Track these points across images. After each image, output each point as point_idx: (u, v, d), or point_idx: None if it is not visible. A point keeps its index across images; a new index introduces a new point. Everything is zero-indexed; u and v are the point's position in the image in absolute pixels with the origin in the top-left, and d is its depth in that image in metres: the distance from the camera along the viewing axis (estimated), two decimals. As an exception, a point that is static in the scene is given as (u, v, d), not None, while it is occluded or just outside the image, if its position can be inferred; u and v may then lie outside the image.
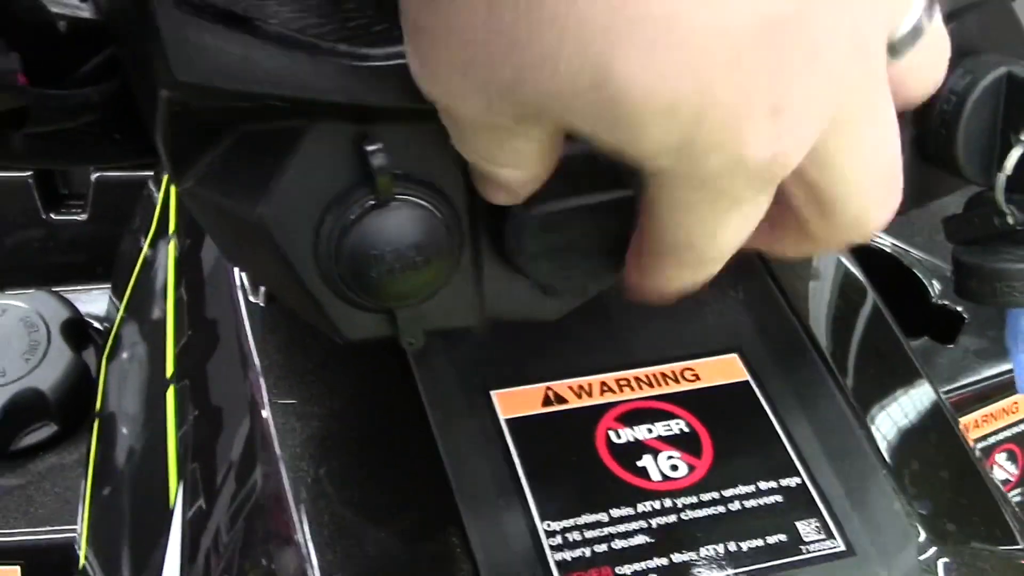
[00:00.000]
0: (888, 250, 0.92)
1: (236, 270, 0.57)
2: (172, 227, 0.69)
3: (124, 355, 0.73)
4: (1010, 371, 0.84)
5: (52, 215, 1.12)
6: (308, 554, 0.45)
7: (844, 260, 0.63)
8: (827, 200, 0.35)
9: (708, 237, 0.35)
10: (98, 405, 0.73)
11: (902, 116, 0.47)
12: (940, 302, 0.89)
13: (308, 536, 0.46)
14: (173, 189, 0.70)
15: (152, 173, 0.85)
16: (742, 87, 0.30)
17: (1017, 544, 0.49)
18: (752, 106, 0.30)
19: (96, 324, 0.98)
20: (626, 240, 0.40)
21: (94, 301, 1.00)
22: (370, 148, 0.37)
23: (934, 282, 0.90)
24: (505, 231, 0.40)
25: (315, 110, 0.37)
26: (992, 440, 0.84)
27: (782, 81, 0.30)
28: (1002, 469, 0.85)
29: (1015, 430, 0.85)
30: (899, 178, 0.37)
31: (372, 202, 0.37)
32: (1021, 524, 0.51)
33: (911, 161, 0.48)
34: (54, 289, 0.99)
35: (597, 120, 0.31)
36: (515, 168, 0.36)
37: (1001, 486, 0.53)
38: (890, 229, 0.95)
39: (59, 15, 0.41)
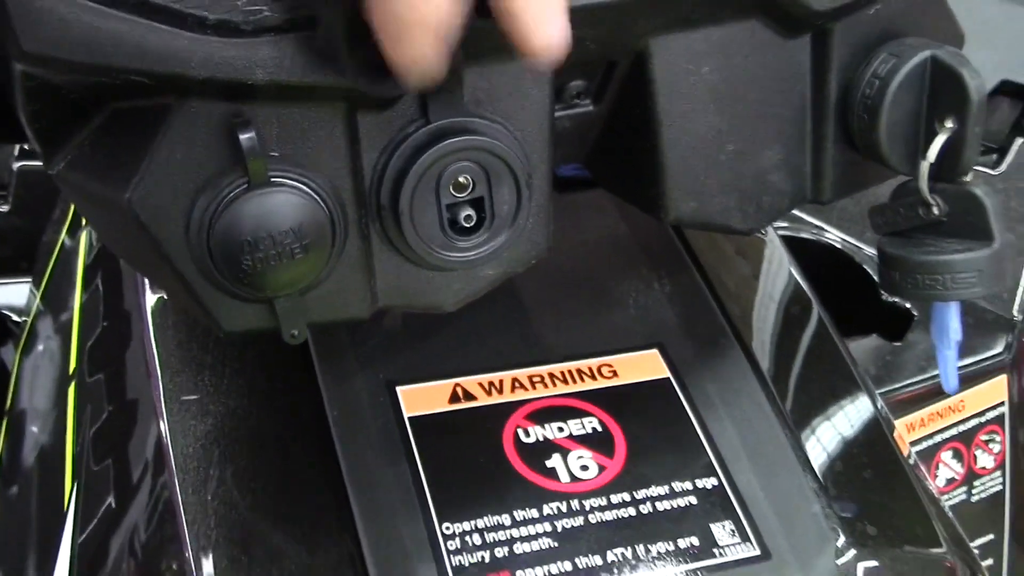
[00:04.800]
0: (839, 246, 0.90)
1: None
2: (85, 219, 0.66)
3: (38, 348, 0.70)
4: (958, 369, 0.82)
5: (-28, 206, 1.08)
6: (193, 561, 0.43)
7: (776, 255, 0.61)
8: None
9: None
10: (8, 401, 0.70)
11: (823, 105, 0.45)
12: (890, 299, 0.87)
13: (196, 542, 0.43)
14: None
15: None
16: None
17: (941, 548, 0.48)
18: None
19: (15, 317, 0.96)
20: None
21: (16, 295, 0.97)
22: (241, 127, 0.34)
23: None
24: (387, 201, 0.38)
25: (184, 87, 0.34)
26: (938, 438, 0.82)
27: None
28: (947, 467, 0.83)
29: (961, 428, 0.83)
30: None
31: (244, 186, 0.35)
32: (949, 527, 0.49)
33: (835, 149, 0.46)
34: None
35: None
36: None
37: (932, 488, 0.51)
38: (840, 226, 0.93)
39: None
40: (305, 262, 0.36)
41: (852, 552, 0.45)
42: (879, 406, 0.53)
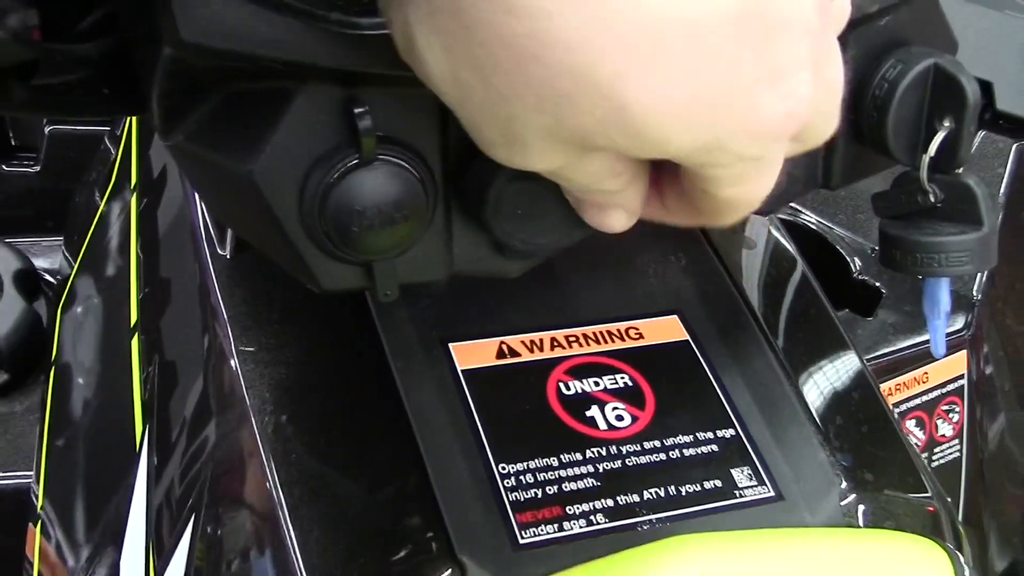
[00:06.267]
0: (813, 227, 0.97)
1: (201, 223, 0.59)
2: (133, 183, 0.71)
3: (79, 308, 0.75)
4: (923, 343, 0.89)
5: (3, 166, 1.12)
6: (276, 495, 0.48)
7: (776, 234, 0.67)
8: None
9: (752, 194, 0.39)
10: (52, 355, 0.75)
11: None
12: (860, 277, 0.94)
13: (276, 478, 0.48)
14: (135, 146, 0.72)
15: (108, 129, 0.86)
16: (737, 69, 0.33)
17: (927, 493, 0.54)
18: (754, 81, 0.34)
19: (47, 276, 1.00)
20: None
21: (44, 253, 1.01)
22: (358, 111, 0.40)
23: (855, 259, 0.95)
24: (471, 187, 0.44)
25: (306, 73, 0.40)
26: (904, 407, 0.89)
27: (766, 44, 0.33)
28: (911, 434, 0.90)
29: (925, 398, 0.90)
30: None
31: (356, 161, 0.40)
32: (930, 477, 0.55)
33: (845, 142, 0.52)
34: (5, 240, 1.00)
35: (631, 145, 0.35)
36: (614, 178, 0.39)
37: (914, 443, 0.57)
38: (815, 209, 1.00)
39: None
40: (404, 229, 0.42)
41: (853, 496, 0.51)
42: (867, 367, 0.60)
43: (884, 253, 0.53)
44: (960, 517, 0.93)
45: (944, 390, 0.91)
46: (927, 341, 0.88)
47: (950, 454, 0.93)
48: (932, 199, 0.51)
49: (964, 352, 0.92)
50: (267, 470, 0.49)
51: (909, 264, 0.52)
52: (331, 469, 0.49)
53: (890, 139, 0.50)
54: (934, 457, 0.92)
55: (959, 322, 0.93)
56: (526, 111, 0.34)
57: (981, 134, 0.98)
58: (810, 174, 0.52)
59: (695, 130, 0.34)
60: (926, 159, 0.50)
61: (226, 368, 0.53)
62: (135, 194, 0.70)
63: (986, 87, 1.00)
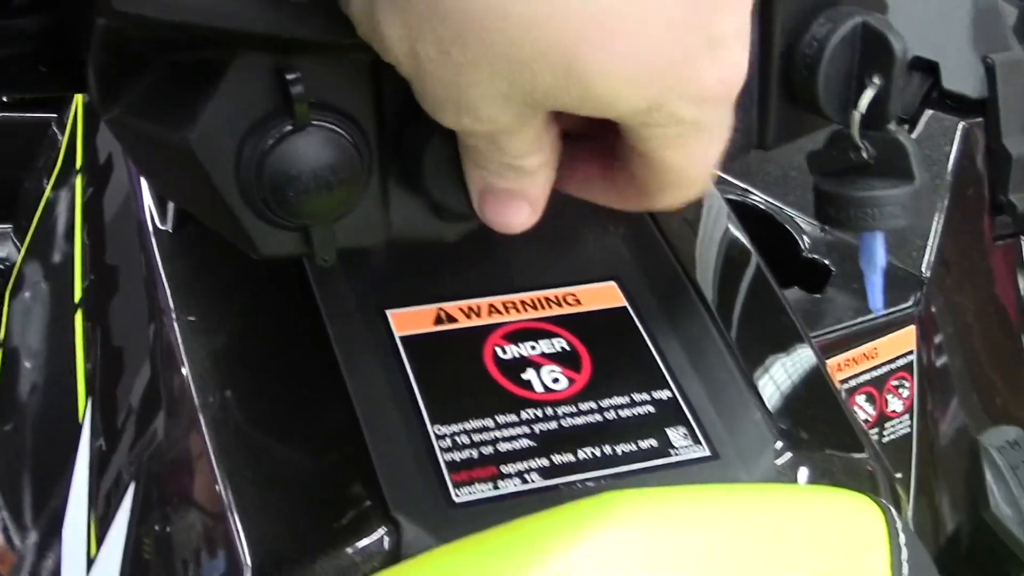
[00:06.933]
0: (762, 207, 0.97)
1: (145, 200, 0.59)
2: (79, 164, 0.71)
3: (27, 293, 0.75)
4: (871, 319, 0.90)
5: (-49, 156, 1.11)
6: (215, 463, 0.48)
7: (718, 207, 0.67)
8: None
9: (696, 161, 0.42)
10: (1, 341, 0.75)
11: (769, 63, 0.52)
12: (810, 256, 0.95)
13: (215, 445, 0.49)
14: (80, 131, 0.72)
15: (56, 115, 0.86)
16: (682, 38, 0.36)
17: (864, 454, 0.54)
18: (696, 49, 0.37)
19: (-1, 264, 0.99)
20: None
21: (-6, 240, 1.01)
22: (290, 77, 0.40)
23: (804, 237, 0.96)
24: (407, 151, 0.44)
25: (239, 41, 0.40)
26: (853, 383, 0.89)
27: (711, 16, 0.37)
28: (861, 410, 0.90)
29: (874, 374, 0.91)
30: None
31: (290, 128, 0.41)
32: (868, 440, 0.56)
33: (778, 101, 0.52)
34: (-46, 228, 1.00)
35: (580, 105, 0.37)
36: (537, 153, 0.42)
37: (847, 399, 0.58)
38: (765, 189, 1.01)
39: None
40: (339, 193, 0.42)
41: (788, 455, 0.51)
42: (804, 330, 0.60)
43: (819, 210, 0.54)
44: (912, 491, 0.94)
45: (893, 366, 0.92)
46: (875, 317, 0.89)
47: (901, 429, 0.94)
48: (864, 155, 0.51)
49: (913, 328, 0.93)
50: (205, 437, 0.49)
51: (843, 219, 0.52)
52: (269, 435, 0.50)
53: (821, 97, 0.51)
54: (885, 432, 0.93)
55: (908, 299, 0.94)
56: (483, 78, 0.36)
57: (928, 114, 0.99)
58: (745, 135, 0.53)
59: (641, 92, 0.37)
60: (856, 116, 0.50)
61: (166, 337, 0.53)
62: (80, 177, 0.70)
63: (932, 67, 1.02)
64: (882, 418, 0.92)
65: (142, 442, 0.53)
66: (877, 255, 0.55)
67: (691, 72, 0.37)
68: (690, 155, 0.41)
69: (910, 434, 0.94)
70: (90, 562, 0.54)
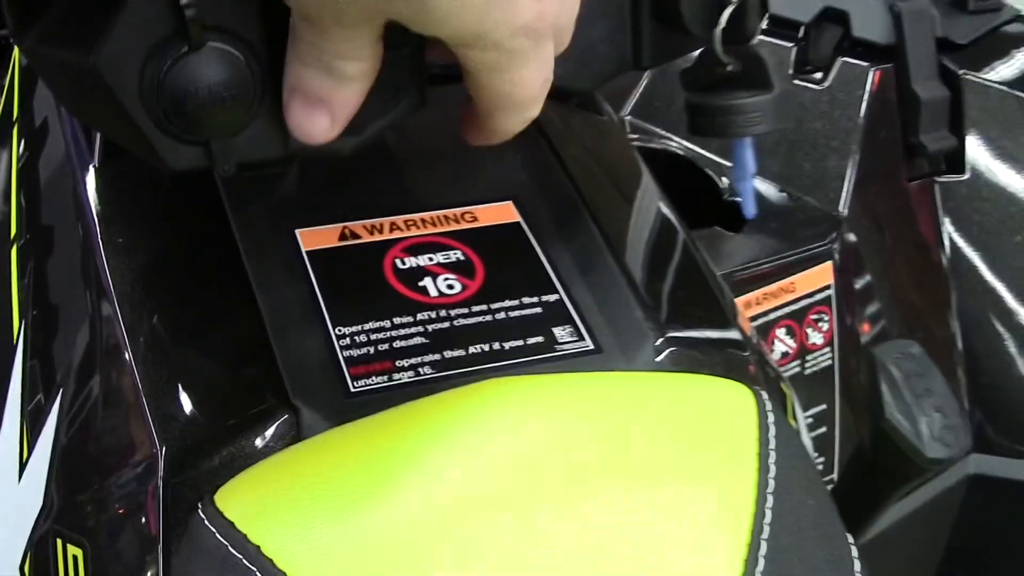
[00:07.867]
0: (682, 154, 1.02)
1: (71, 137, 0.63)
2: (15, 113, 0.75)
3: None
4: (788, 255, 0.94)
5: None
6: (133, 365, 0.52)
7: (619, 133, 0.71)
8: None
9: (520, 86, 0.47)
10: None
11: None
12: (730, 199, 0.99)
13: (134, 350, 0.53)
14: (16, 84, 0.76)
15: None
16: None
17: (745, 352, 0.59)
18: None
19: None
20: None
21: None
22: (184, 2, 0.44)
23: (724, 179, 1.01)
24: None
25: None
26: (772, 316, 0.94)
27: None
28: (782, 342, 0.95)
29: (792, 307, 0.95)
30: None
31: (186, 48, 0.45)
32: (748, 337, 0.60)
33: (648, 21, 0.57)
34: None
35: (413, 18, 0.42)
36: (359, 60, 0.46)
37: (734, 302, 0.62)
38: (687, 137, 1.05)
39: None
40: (234, 108, 0.47)
41: (669, 349, 0.56)
42: (694, 243, 0.64)
43: (691, 122, 0.58)
44: (837, 420, 0.98)
45: (812, 300, 0.96)
46: (792, 253, 0.93)
47: (823, 362, 0.98)
48: (729, 68, 0.56)
49: (830, 264, 0.97)
50: (126, 343, 0.53)
51: (712, 128, 0.57)
52: (183, 340, 0.54)
53: (686, 15, 0.55)
54: (807, 364, 0.97)
55: (825, 237, 0.98)
56: None
57: (840, 60, 1.03)
58: (620, 54, 0.57)
59: (468, 16, 0.42)
60: (718, 32, 0.55)
61: (93, 259, 0.57)
62: (16, 125, 0.74)
63: (843, 17, 1.07)
64: (803, 351, 0.96)
65: (70, 353, 0.57)
66: (747, 162, 0.59)
67: (512, 4, 0.42)
68: (513, 80, 0.46)
69: (831, 366, 0.98)
70: (23, 466, 0.58)
